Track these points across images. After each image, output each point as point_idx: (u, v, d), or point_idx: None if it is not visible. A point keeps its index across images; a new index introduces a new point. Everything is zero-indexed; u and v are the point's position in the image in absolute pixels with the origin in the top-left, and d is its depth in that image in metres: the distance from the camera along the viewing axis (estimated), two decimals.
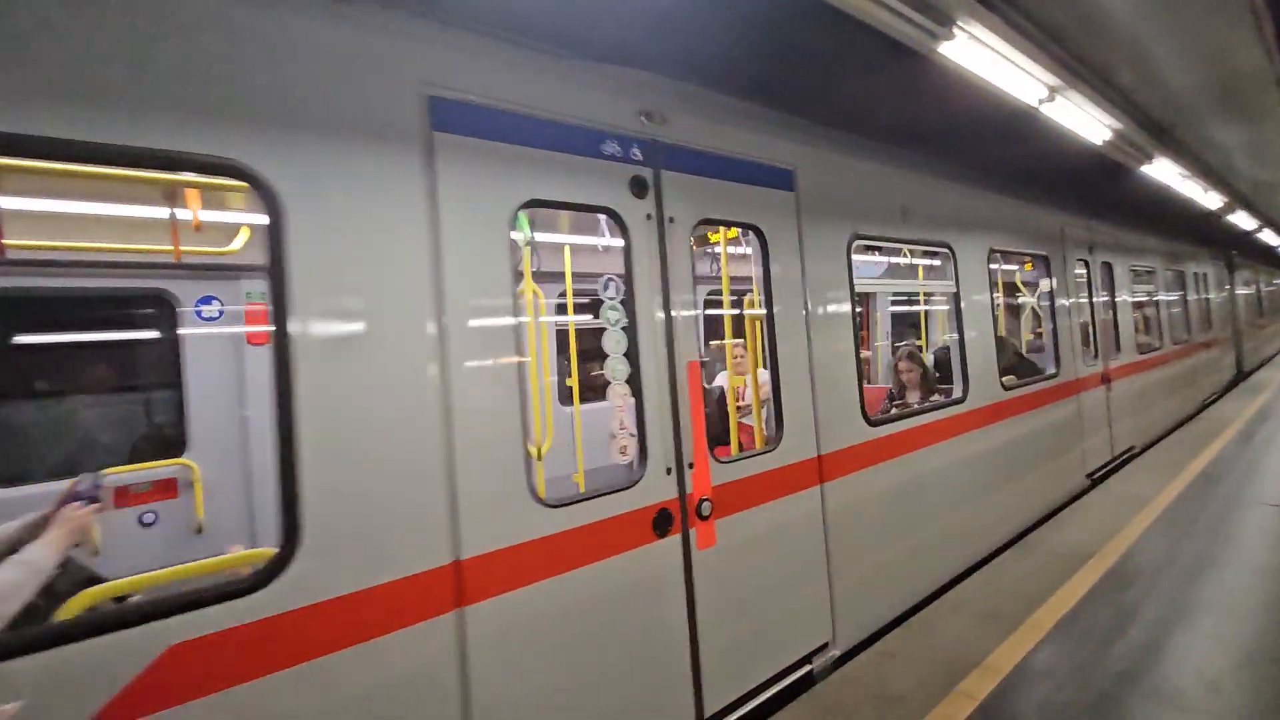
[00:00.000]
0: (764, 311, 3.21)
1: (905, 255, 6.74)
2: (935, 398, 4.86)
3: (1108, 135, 5.06)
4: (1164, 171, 6.68)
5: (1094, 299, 7.07)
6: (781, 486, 3.01)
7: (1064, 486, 5.88)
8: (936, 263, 5.79)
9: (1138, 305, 9.30)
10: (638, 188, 2.65)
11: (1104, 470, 6.62)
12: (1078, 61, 4.04)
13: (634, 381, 2.56)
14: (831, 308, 3.60)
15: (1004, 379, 5.16)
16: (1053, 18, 3.46)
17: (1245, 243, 15.42)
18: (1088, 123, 4.72)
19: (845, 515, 3.37)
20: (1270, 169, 8.16)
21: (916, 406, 4.67)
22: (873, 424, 3.73)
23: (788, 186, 3.39)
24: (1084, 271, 7.05)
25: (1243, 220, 11.16)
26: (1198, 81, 4.67)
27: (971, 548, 4.52)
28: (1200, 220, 10.56)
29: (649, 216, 2.66)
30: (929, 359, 5.85)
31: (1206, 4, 3.43)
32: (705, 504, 2.65)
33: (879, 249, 6.42)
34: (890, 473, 3.81)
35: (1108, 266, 7.66)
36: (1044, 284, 6.39)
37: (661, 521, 2.50)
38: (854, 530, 3.44)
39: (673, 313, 2.68)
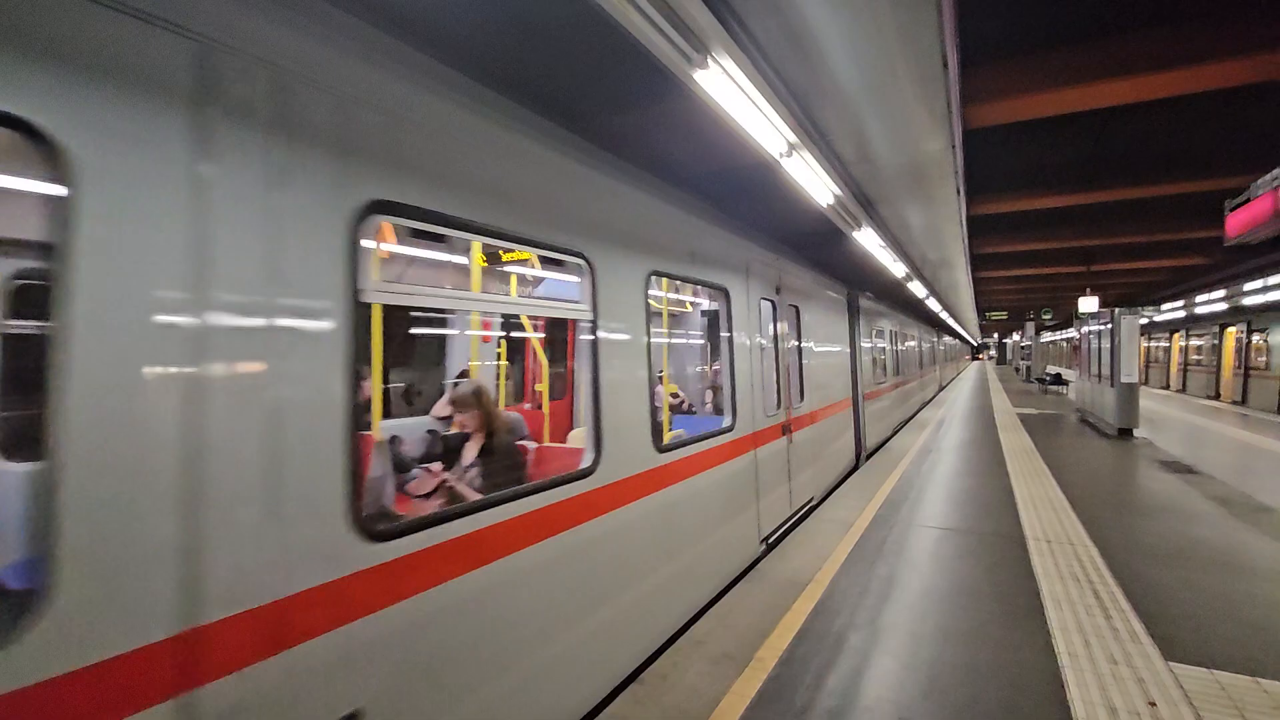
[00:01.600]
0: None
1: None
2: None
3: (830, 200, 5.67)
4: (868, 240, 7.82)
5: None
6: None
7: None
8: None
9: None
10: None
11: None
12: (812, 125, 4.39)
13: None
14: None
15: None
16: (793, 75, 3.65)
17: (919, 309, 19.26)
18: (817, 185, 5.20)
19: None
20: (937, 249, 10.14)
21: None
22: None
23: None
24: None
25: (918, 288, 13.83)
26: (899, 163, 5.45)
27: None
28: (894, 285, 12.79)
29: None
30: None
31: (912, 92, 3.92)
32: None
33: None
34: None
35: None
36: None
37: None
38: None
39: None
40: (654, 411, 3.73)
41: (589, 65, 3.75)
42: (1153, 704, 3.12)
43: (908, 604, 4.34)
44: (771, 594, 4.50)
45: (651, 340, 3.77)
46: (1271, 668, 3.43)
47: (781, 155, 4.25)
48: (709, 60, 2.92)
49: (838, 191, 5.53)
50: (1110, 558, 5.18)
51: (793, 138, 4.06)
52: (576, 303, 3.24)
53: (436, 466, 3.86)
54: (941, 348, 32.17)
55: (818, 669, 3.46)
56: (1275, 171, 6.26)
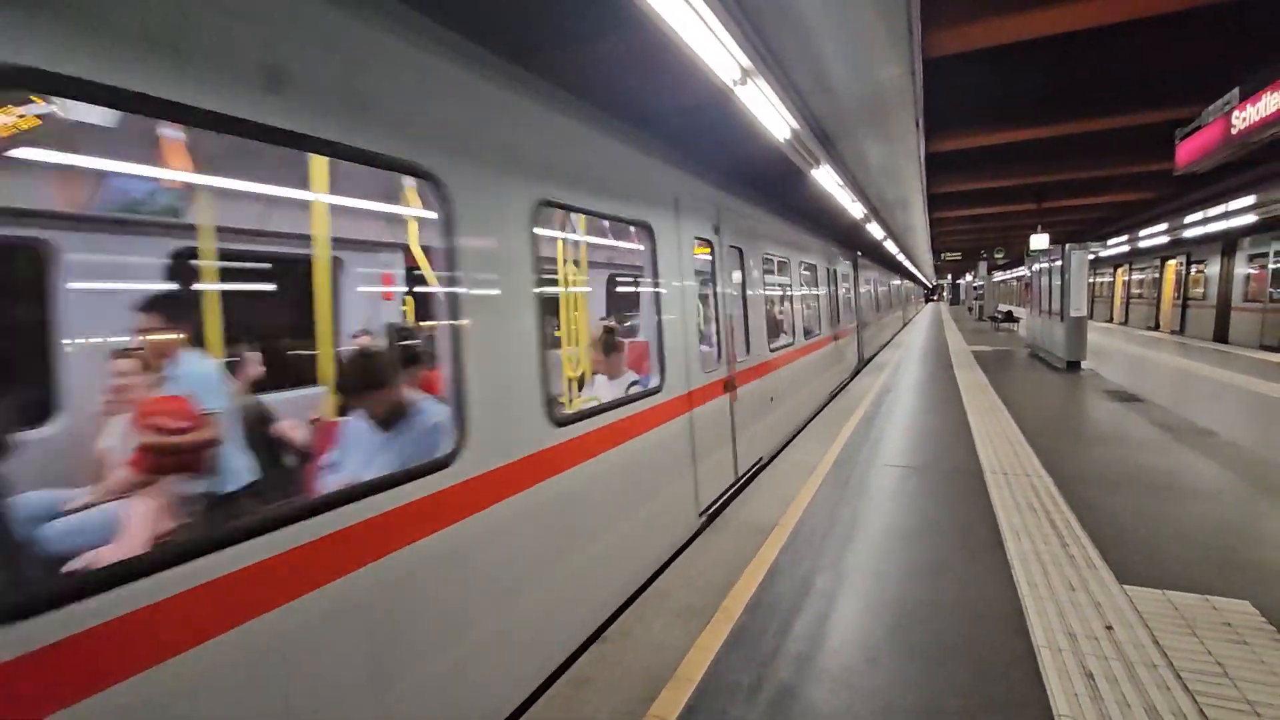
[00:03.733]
0: None
1: None
2: None
3: (787, 134, 5.41)
4: (826, 178, 7.62)
5: None
6: None
7: None
8: None
9: None
10: None
11: None
12: (767, 50, 4.10)
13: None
14: None
15: None
16: None
17: (877, 252, 19.29)
18: (773, 117, 4.93)
19: None
20: (896, 188, 10.01)
21: None
22: None
23: None
24: None
25: (876, 230, 13.77)
26: (858, 94, 5.21)
27: None
28: (851, 228, 12.68)
29: None
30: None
31: (876, 9, 3.65)
32: None
33: None
34: None
35: None
36: None
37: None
38: None
39: None
40: None
41: None
42: (1109, 628, 3.16)
43: (872, 543, 4.34)
44: (736, 541, 4.44)
45: None
46: (1220, 585, 3.52)
47: (735, 83, 3.97)
48: None
49: (795, 126, 5.27)
50: (1064, 487, 5.28)
51: (746, 62, 3.78)
52: None
53: None
54: (863, 287, 16.05)
55: (784, 615, 3.41)
56: (1226, 96, 6.24)
